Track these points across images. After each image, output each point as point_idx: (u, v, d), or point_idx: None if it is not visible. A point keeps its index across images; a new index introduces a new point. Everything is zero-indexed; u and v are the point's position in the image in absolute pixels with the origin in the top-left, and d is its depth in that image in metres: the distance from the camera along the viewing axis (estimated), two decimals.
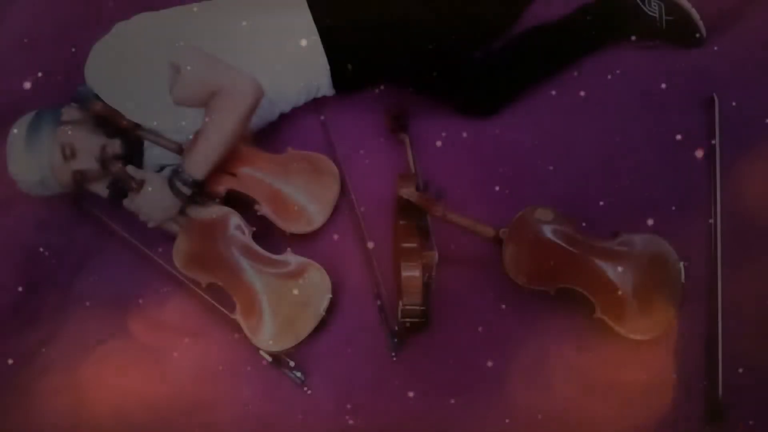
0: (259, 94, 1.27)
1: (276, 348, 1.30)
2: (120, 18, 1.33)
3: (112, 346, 1.40)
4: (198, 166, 1.25)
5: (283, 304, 1.30)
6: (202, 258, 1.32)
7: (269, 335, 1.29)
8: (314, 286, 1.32)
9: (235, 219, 1.33)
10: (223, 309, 1.33)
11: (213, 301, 1.35)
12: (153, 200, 1.28)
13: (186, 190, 1.26)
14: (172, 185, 1.26)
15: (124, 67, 1.26)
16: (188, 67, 1.23)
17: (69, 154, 1.28)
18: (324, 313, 1.31)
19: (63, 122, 1.29)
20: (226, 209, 1.34)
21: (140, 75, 1.25)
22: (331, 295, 1.31)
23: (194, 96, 1.25)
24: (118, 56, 1.26)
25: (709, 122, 1.34)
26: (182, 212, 1.33)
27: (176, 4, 1.39)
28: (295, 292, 1.31)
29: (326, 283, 1.32)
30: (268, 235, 1.38)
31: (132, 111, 1.30)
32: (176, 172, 1.26)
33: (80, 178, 1.32)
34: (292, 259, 1.33)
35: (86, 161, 1.31)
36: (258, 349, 1.32)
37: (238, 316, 1.30)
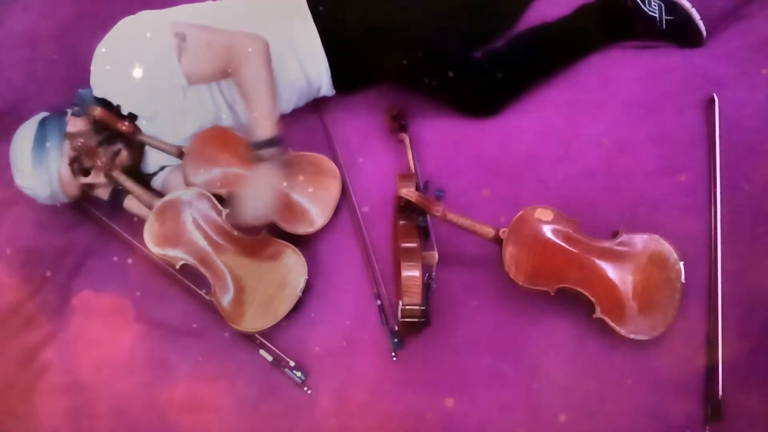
0: (266, 40, 1.27)
1: (254, 328, 1.30)
2: (120, 18, 1.33)
3: (112, 346, 1.41)
4: (266, 124, 1.25)
5: (259, 286, 1.31)
6: (171, 238, 1.29)
7: (246, 315, 1.30)
8: (290, 268, 1.32)
9: (205, 200, 1.32)
10: (197, 289, 1.35)
11: (188, 282, 1.36)
12: (260, 190, 1.26)
13: (272, 153, 1.25)
14: (261, 160, 1.25)
15: (127, 68, 1.24)
16: (192, 34, 1.23)
17: (78, 168, 1.28)
18: (301, 294, 1.32)
19: (69, 134, 1.28)
20: (195, 189, 1.32)
21: (143, 75, 1.24)
22: (307, 277, 1.32)
23: (205, 62, 1.24)
24: (122, 57, 1.25)
25: (709, 122, 1.34)
26: (150, 195, 1.32)
27: (175, 4, 1.38)
28: (271, 273, 1.32)
29: (302, 264, 1.33)
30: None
31: (135, 111, 1.30)
32: (255, 150, 1.25)
33: (88, 190, 1.33)
34: (268, 240, 1.33)
35: (94, 174, 1.31)
36: (258, 348, 1.33)
37: (214, 297, 1.30)
